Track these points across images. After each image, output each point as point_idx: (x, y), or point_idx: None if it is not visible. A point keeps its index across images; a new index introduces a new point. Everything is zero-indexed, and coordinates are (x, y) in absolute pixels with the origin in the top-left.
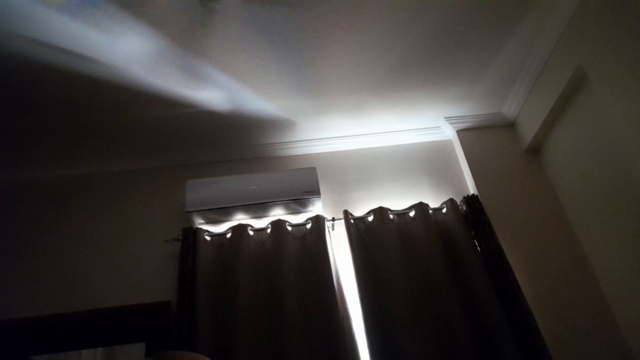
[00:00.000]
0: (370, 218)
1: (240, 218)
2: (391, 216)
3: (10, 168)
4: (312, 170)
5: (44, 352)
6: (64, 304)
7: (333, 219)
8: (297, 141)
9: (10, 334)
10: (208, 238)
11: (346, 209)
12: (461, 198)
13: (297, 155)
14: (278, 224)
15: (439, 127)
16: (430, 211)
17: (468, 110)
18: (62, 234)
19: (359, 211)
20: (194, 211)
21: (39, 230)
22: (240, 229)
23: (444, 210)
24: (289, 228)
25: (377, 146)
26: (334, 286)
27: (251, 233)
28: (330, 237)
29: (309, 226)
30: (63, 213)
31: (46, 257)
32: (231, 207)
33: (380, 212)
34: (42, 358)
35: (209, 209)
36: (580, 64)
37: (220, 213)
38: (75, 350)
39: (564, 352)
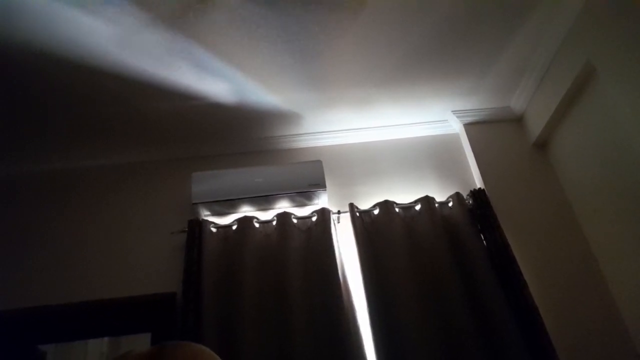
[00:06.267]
0: (376, 211)
1: (245, 210)
2: (397, 209)
3: (17, 161)
4: (318, 163)
5: (50, 342)
6: (71, 294)
7: (339, 212)
8: (303, 134)
9: (17, 324)
10: (214, 230)
11: (352, 202)
12: (467, 192)
13: (303, 148)
14: (284, 217)
15: (446, 120)
16: (437, 205)
17: (475, 104)
18: (68, 226)
19: (364, 204)
20: (200, 203)
21: (45, 221)
22: (245, 221)
23: (450, 204)
24: (295, 221)
25: (383, 139)
26: (339, 279)
27: (257, 225)
28: (335, 230)
29: (314, 219)
30: (68, 206)
31: (52, 248)
32: (237, 199)
33: (386, 205)
34: (49, 348)
35: (214, 201)
36: (589, 58)
37: (226, 205)
38: (82, 340)
39: (569, 348)
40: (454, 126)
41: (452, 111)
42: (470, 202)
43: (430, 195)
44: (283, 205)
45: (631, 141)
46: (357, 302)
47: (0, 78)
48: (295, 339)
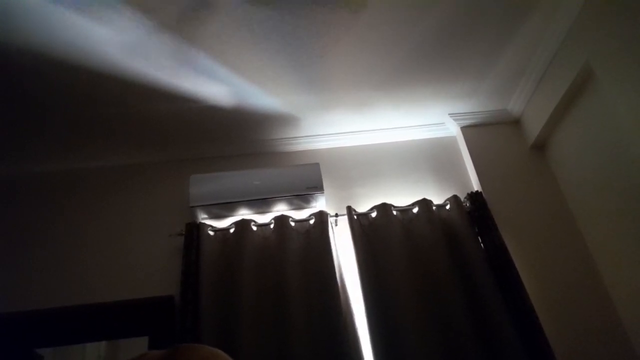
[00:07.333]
0: (374, 214)
1: (243, 213)
2: (395, 212)
3: (17, 161)
4: (316, 166)
5: (48, 345)
6: (68, 298)
7: (336, 215)
8: (301, 137)
9: (14, 327)
10: (212, 233)
11: (349, 205)
12: (465, 195)
13: (301, 151)
14: (281, 220)
15: (444, 123)
16: (434, 207)
17: (473, 106)
18: (65, 227)
19: (362, 207)
20: (198, 206)
21: (42, 223)
22: (243, 224)
23: (448, 207)
24: (292, 224)
25: (381, 142)
26: (336, 281)
27: (255, 228)
28: (333, 232)
29: (312, 222)
30: (66, 207)
31: (50, 250)
32: (235, 202)
33: (384, 208)
34: (46, 351)
35: (212, 204)
36: (588, 60)
37: (224, 208)
38: (79, 344)
39: (568, 350)
40: (451, 129)
41: (449, 114)
42: (468, 204)
43: (428, 198)
44: (281, 208)
45: (629, 143)
46: (355, 304)
47: (0, 78)
48: (293, 340)
